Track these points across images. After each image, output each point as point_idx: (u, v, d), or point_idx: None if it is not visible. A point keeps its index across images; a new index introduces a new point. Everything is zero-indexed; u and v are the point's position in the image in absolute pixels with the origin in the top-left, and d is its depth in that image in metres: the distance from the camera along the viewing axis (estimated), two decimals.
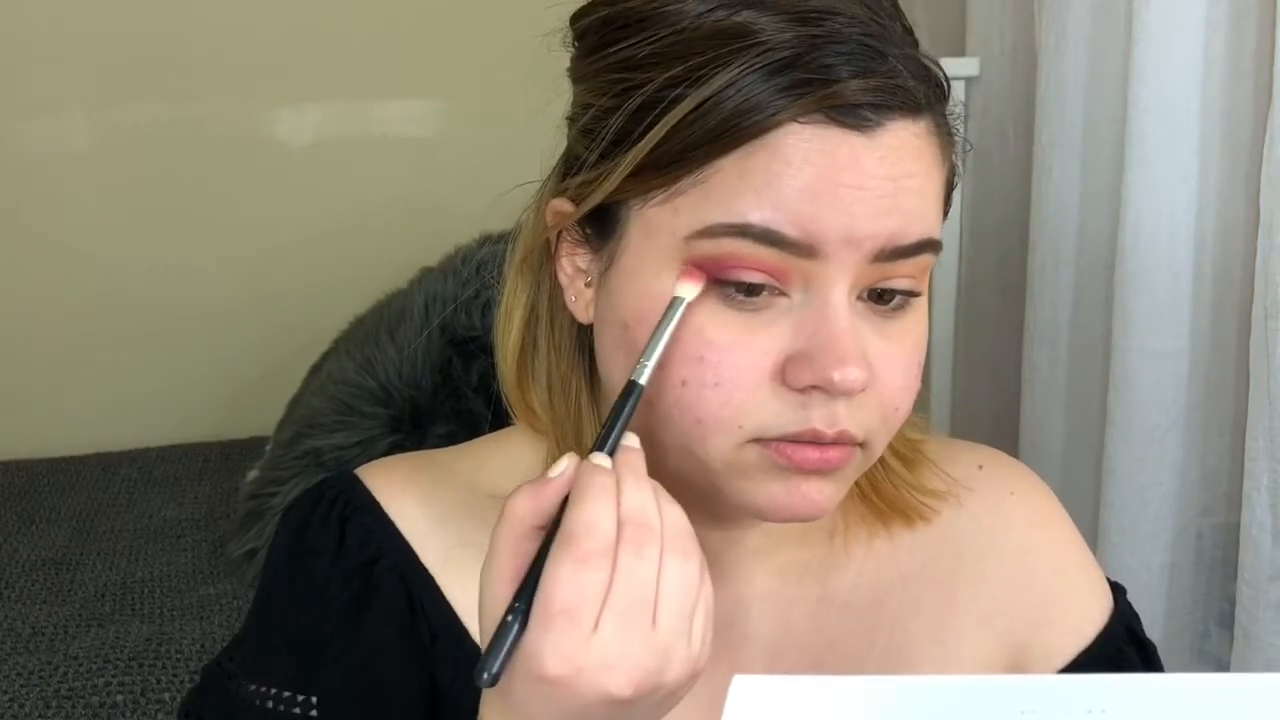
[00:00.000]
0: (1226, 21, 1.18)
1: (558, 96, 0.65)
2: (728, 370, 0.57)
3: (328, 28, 2.30)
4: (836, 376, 0.55)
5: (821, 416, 0.57)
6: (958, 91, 1.61)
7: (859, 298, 0.58)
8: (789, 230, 0.55)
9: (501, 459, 0.71)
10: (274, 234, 2.34)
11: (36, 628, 1.52)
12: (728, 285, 0.57)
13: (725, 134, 0.55)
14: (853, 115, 0.56)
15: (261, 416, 2.00)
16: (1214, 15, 1.18)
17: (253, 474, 1.75)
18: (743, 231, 0.56)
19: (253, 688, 0.69)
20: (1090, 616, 0.72)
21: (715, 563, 0.68)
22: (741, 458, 0.58)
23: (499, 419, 0.73)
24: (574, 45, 0.64)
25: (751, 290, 0.57)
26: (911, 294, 0.59)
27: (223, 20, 2.25)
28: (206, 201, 2.31)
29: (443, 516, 0.69)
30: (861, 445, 0.59)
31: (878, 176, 0.56)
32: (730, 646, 0.68)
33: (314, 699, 0.67)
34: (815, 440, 0.57)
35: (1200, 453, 1.27)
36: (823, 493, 0.59)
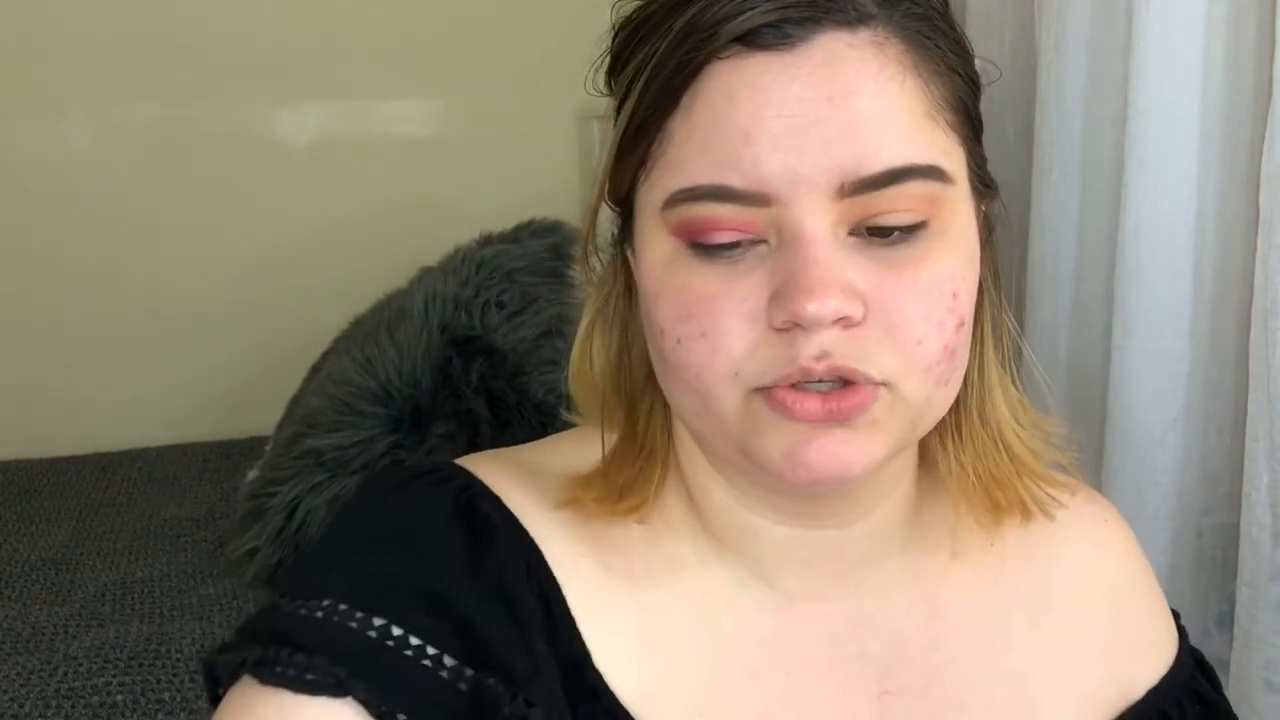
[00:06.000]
0: (1226, 21, 1.18)
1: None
2: (712, 320, 0.55)
3: (328, 28, 2.30)
4: (810, 308, 0.53)
5: (808, 352, 0.54)
6: None
7: (852, 233, 0.55)
8: (735, 182, 0.54)
9: (579, 457, 0.66)
10: (274, 234, 2.34)
11: (36, 628, 1.52)
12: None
13: (663, 93, 0.56)
14: (774, 35, 0.54)
15: (261, 416, 2.00)
16: (1214, 15, 1.18)
17: (253, 474, 1.75)
18: (694, 195, 0.55)
19: (303, 613, 0.58)
20: (1168, 644, 0.74)
21: (823, 571, 0.65)
22: (750, 410, 0.56)
23: (499, 419, 0.73)
24: None
25: (725, 246, 0.56)
26: (909, 228, 0.55)
27: (223, 20, 2.25)
28: (206, 201, 2.31)
29: (561, 520, 0.63)
30: (884, 386, 0.55)
31: (809, 99, 0.53)
32: (842, 664, 0.65)
33: (377, 620, 0.57)
34: (805, 378, 0.54)
35: (1200, 453, 1.26)
36: (850, 445, 0.55)
